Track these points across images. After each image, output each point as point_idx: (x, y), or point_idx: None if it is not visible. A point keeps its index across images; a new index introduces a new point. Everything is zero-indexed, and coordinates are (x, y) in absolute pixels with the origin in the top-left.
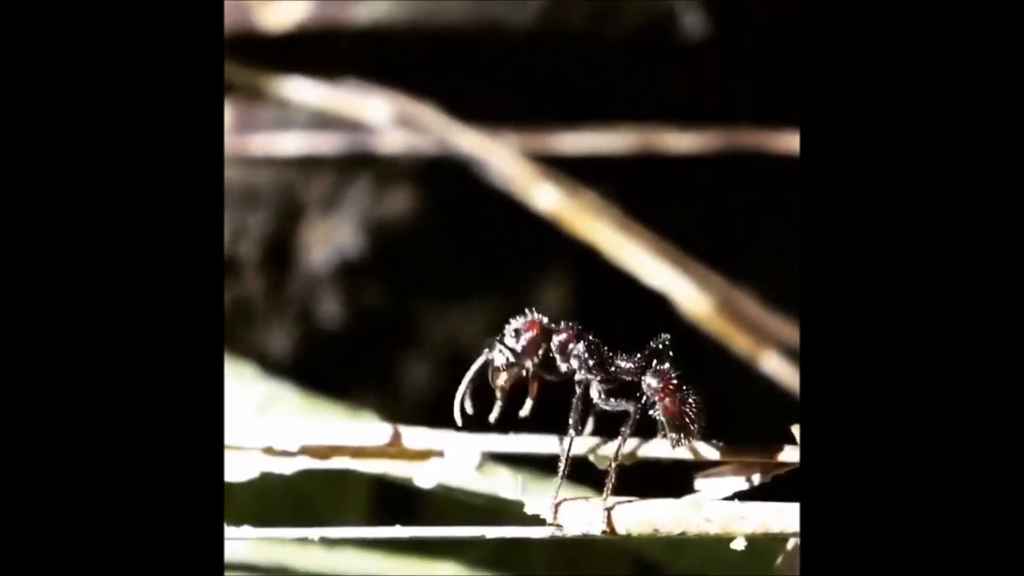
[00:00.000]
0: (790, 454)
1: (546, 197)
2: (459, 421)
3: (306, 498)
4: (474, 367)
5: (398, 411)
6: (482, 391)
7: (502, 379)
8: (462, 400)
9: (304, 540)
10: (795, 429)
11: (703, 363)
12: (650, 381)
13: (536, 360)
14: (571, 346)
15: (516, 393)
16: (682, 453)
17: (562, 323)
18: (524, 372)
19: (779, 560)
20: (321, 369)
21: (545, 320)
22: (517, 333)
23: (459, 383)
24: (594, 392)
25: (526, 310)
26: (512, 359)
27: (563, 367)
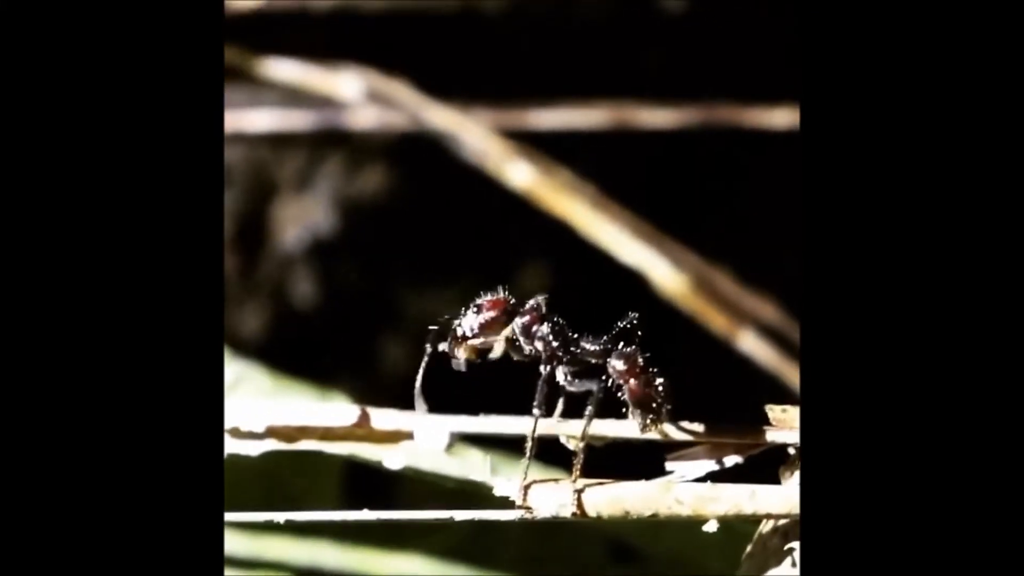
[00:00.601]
0: (765, 435)
1: (520, 174)
2: (421, 410)
3: (277, 482)
4: (423, 363)
5: (371, 393)
6: (449, 373)
7: (460, 352)
8: (419, 393)
9: (273, 525)
10: (790, 410)
11: (679, 342)
12: (615, 363)
13: (495, 338)
14: (535, 328)
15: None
16: (652, 435)
17: (528, 303)
18: (484, 348)
19: (750, 545)
20: (293, 350)
21: (512, 300)
22: (479, 309)
23: (432, 363)
24: (559, 374)
25: (498, 288)
26: (470, 334)
27: (527, 348)
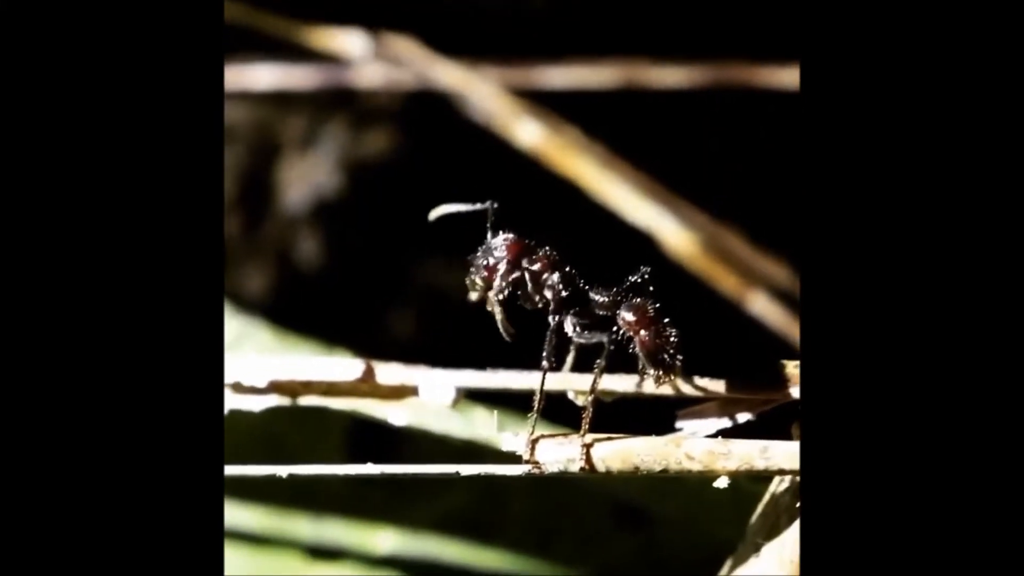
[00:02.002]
0: (777, 391)
1: (529, 133)
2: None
3: (279, 442)
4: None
5: (375, 354)
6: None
7: (473, 296)
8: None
9: (277, 487)
10: (791, 366)
11: (689, 303)
12: (625, 315)
13: (506, 281)
14: (545, 276)
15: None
16: (664, 390)
17: (540, 251)
18: (497, 291)
19: (761, 504)
20: (296, 311)
21: (530, 243)
22: (489, 251)
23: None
24: (568, 325)
25: (511, 233)
26: (484, 276)
27: (536, 297)
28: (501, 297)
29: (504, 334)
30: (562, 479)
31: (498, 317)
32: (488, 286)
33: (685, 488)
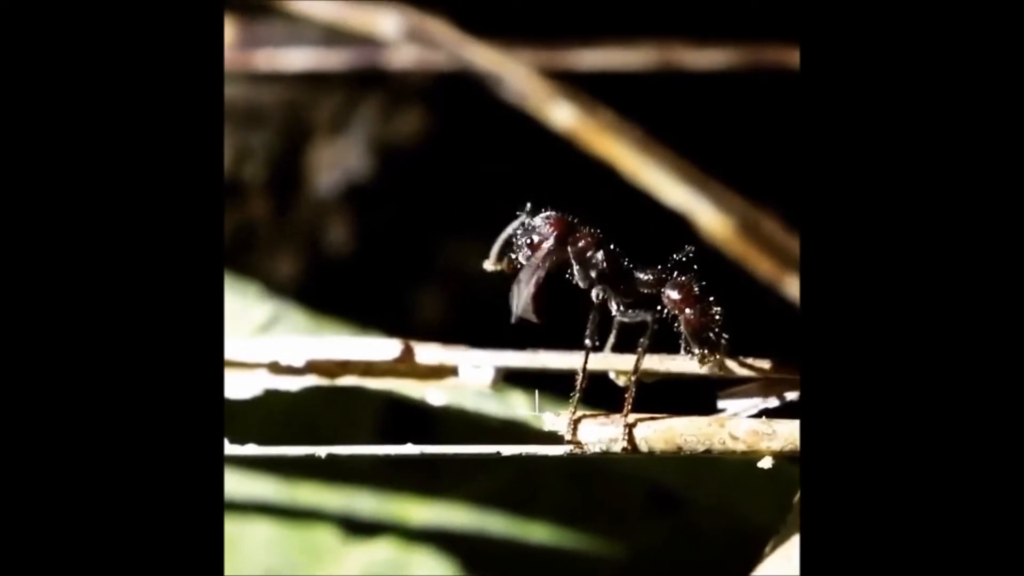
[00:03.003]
0: None
1: (563, 115)
2: (488, 267)
3: (313, 421)
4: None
5: (408, 335)
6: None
7: (489, 266)
8: (498, 253)
9: (309, 467)
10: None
11: (724, 287)
12: (670, 293)
13: (550, 260)
14: (590, 253)
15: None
16: (709, 369)
17: (584, 228)
18: (540, 268)
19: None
20: (327, 295)
21: (574, 220)
22: (533, 228)
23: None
24: (612, 304)
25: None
26: (527, 254)
27: (581, 275)
28: (540, 275)
29: (522, 314)
30: (601, 462)
31: (524, 294)
32: (528, 263)
33: (721, 472)
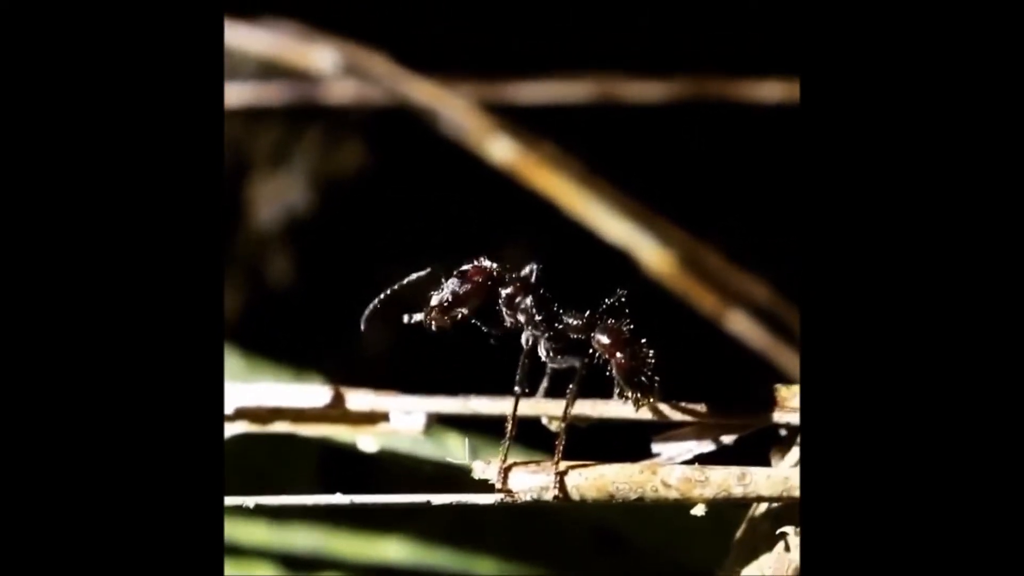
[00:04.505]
0: (757, 415)
1: (502, 149)
2: (361, 327)
3: (251, 468)
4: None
5: (349, 375)
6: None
7: (436, 320)
8: (369, 313)
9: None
10: (795, 388)
11: (667, 322)
12: (600, 337)
13: (473, 308)
14: (518, 299)
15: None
16: (642, 414)
17: (513, 275)
18: (459, 318)
19: (740, 530)
20: (268, 331)
21: (496, 269)
22: (462, 276)
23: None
24: (541, 349)
25: (482, 258)
26: (449, 302)
27: (509, 321)
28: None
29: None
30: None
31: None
32: (449, 314)
33: (664, 513)
